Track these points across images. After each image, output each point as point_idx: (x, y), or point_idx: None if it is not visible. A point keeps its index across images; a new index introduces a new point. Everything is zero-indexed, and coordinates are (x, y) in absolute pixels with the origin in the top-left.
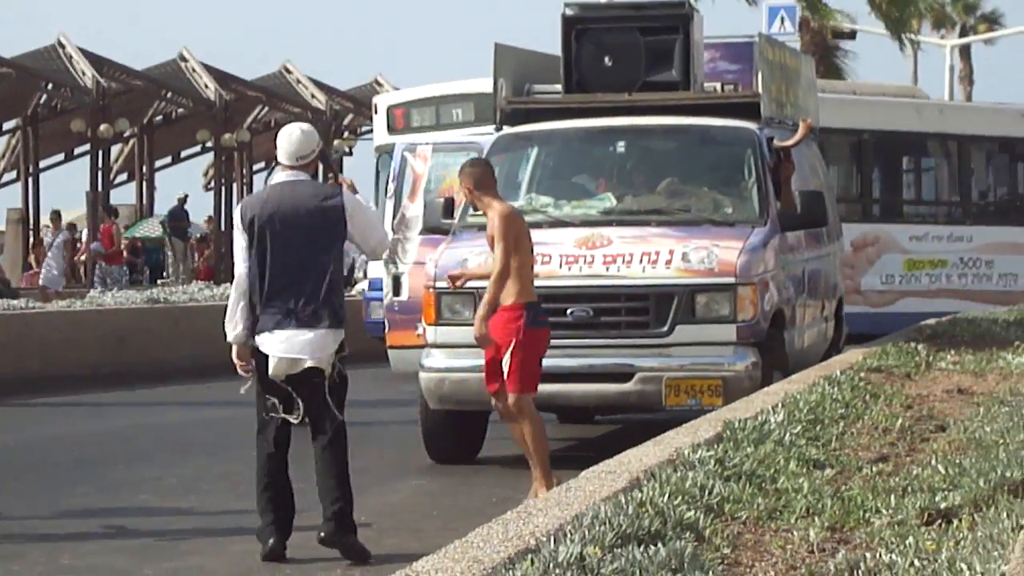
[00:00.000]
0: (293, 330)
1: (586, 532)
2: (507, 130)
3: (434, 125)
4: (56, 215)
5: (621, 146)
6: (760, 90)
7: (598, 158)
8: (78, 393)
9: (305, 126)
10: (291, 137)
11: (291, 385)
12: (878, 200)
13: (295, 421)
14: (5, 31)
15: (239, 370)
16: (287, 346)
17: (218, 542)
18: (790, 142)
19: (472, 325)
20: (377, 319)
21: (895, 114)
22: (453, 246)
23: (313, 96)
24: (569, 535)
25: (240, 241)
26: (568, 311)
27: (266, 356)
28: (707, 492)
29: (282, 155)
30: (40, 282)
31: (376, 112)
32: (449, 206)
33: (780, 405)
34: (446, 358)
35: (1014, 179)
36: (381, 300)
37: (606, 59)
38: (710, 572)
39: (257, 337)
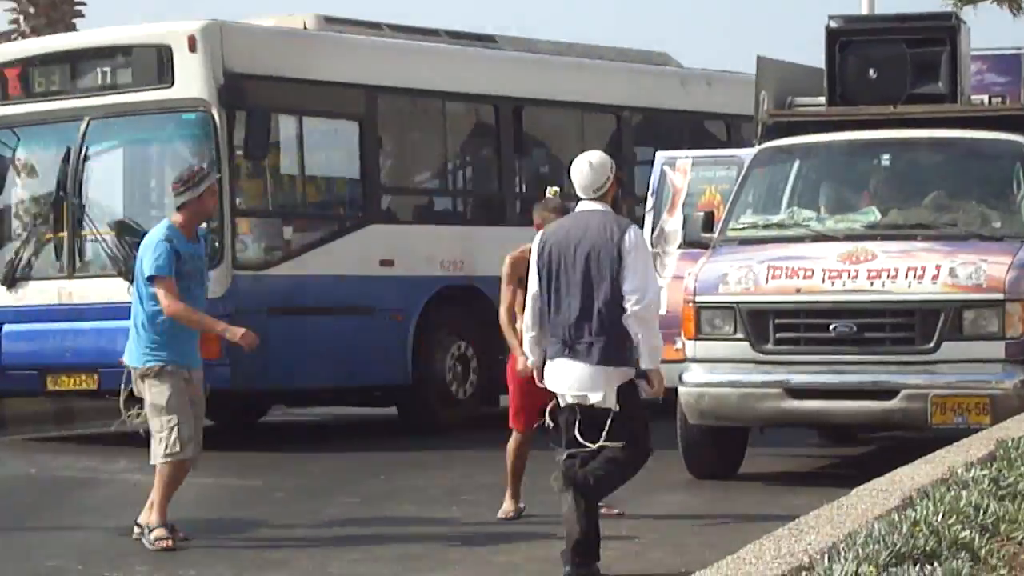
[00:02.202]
0: None
1: (860, 551)
2: (769, 143)
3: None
4: None
5: (886, 159)
6: None
7: (862, 171)
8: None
9: (595, 157)
10: (580, 170)
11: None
12: None
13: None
14: None
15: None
16: None
17: (480, 553)
18: None
19: (733, 340)
20: None
21: None
22: (713, 260)
23: None
24: (843, 553)
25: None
26: (831, 327)
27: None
28: (982, 512)
29: (577, 187)
30: None
31: None
32: (709, 220)
33: None
34: (706, 373)
35: None
36: None
37: (871, 71)
38: None
39: None
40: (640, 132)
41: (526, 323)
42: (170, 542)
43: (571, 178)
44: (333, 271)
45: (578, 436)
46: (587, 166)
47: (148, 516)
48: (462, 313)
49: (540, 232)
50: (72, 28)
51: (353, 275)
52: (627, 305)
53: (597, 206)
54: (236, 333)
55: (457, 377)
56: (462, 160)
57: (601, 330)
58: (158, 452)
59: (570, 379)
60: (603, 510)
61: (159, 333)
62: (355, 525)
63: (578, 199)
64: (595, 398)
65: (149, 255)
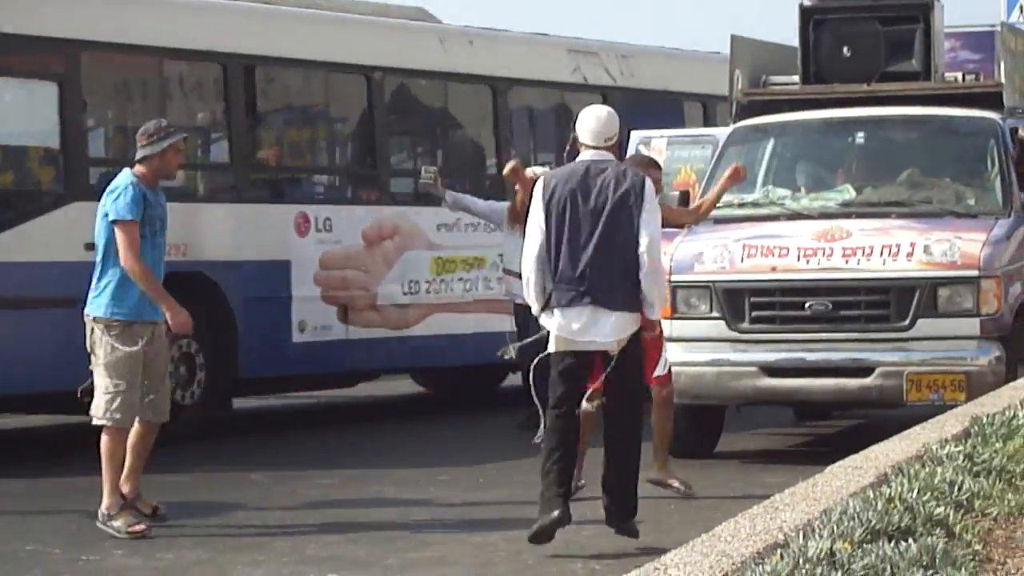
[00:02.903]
0: None
1: (835, 527)
2: (743, 122)
3: None
4: None
5: (860, 137)
6: (1003, 79)
7: (837, 149)
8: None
9: (606, 107)
10: (594, 117)
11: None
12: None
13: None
14: None
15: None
16: None
17: (457, 534)
18: None
19: (709, 319)
20: None
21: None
22: (688, 239)
23: None
24: (818, 530)
25: None
26: (806, 305)
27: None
28: (956, 488)
29: (586, 134)
30: None
31: None
32: (684, 199)
33: None
34: (682, 352)
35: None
36: None
37: (845, 49)
38: (962, 568)
39: None
40: (395, 96)
41: (532, 267)
42: (140, 526)
43: (579, 126)
44: (27, 257)
45: (611, 381)
46: (604, 113)
47: (124, 484)
48: (186, 305)
49: (543, 177)
50: None
51: (52, 261)
52: (641, 253)
53: (607, 155)
54: (179, 316)
55: (180, 381)
56: (185, 127)
57: (623, 277)
58: (98, 410)
59: (597, 327)
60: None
61: (127, 281)
62: (332, 507)
63: (577, 150)
64: (620, 344)
65: (114, 197)
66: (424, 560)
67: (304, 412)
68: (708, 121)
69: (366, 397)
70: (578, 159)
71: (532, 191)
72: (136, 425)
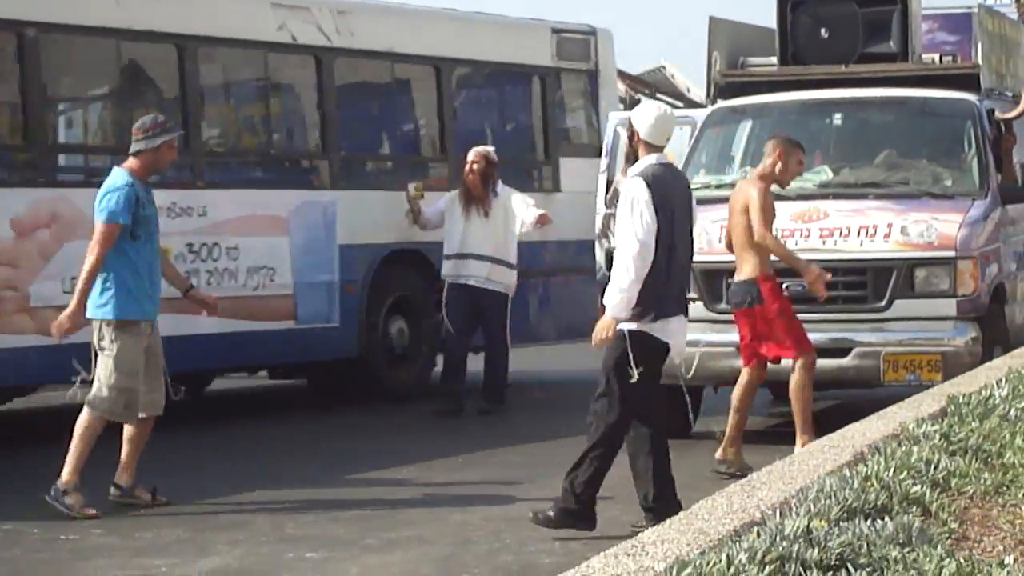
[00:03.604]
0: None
1: (811, 506)
2: (721, 103)
3: None
4: None
5: (838, 118)
6: (980, 61)
7: (814, 131)
8: None
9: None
10: (667, 118)
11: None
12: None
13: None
14: None
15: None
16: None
17: (436, 512)
18: (1012, 114)
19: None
20: None
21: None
22: None
23: None
24: (795, 508)
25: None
26: (784, 286)
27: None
28: (933, 467)
29: (657, 135)
30: None
31: None
32: None
33: (1004, 380)
34: None
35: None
36: None
37: (822, 31)
38: (938, 546)
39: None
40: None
41: (639, 274)
42: (91, 510)
43: (641, 123)
44: None
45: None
46: (669, 113)
47: (122, 475)
48: None
49: (641, 175)
50: None
51: None
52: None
53: (667, 157)
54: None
55: None
56: None
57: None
58: (93, 398)
59: (684, 336)
60: None
61: (131, 283)
62: (312, 487)
63: (630, 149)
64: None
65: (108, 198)
66: (403, 540)
67: (281, 394)
68: (441, 89)
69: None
70: (656, 162)
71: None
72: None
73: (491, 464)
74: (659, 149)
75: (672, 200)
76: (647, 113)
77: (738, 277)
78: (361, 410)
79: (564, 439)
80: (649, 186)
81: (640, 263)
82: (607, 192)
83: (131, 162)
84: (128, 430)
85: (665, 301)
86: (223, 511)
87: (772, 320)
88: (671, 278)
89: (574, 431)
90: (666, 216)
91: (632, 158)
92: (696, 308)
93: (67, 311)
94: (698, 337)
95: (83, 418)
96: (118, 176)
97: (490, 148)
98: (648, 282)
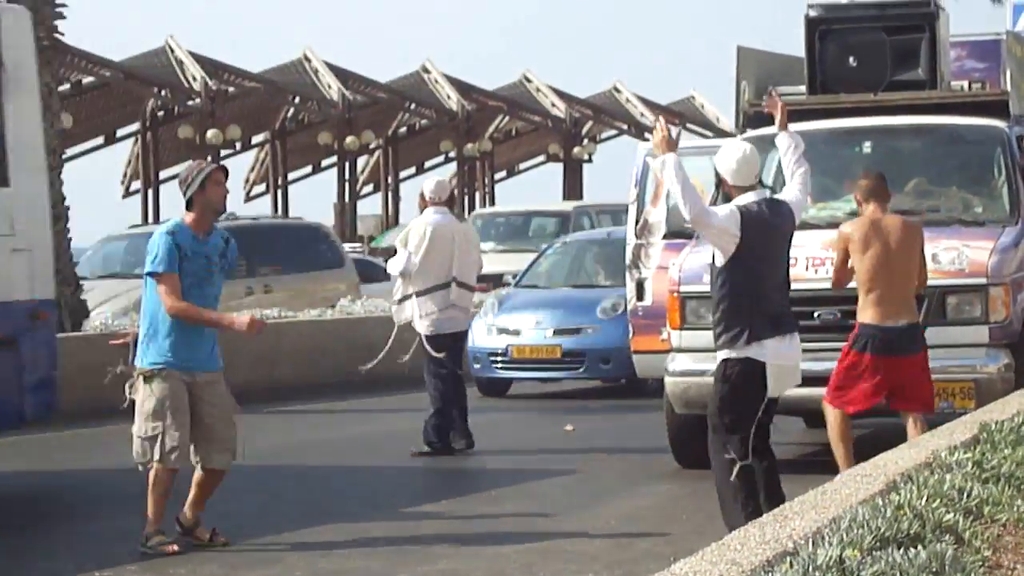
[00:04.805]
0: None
1: (844, 535)
2: (750, 132)
3: None
4: None
5: (867, 146)
6: (1008, 88)
7: (844, 159)
8: (329, 400)
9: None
10: (749, 158)
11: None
12: None
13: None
14: (254, 47)
15: None
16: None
17: (469, 545)
18: None
19: None
20: None
21: None
22: (697, 250)
23: (553, 104)
24: (827, 538)
25: None
26: (815, 314)
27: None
28: (965, 495)
29: (743, 178)
30: None
31: None
32: None
33: None
34: (691, 362)
35: None
36: None
37: (851, 59)
38: (971, 575)
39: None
40: None
41: (684, 190)
42: (172, 547)
43: (725, 169)
44: None
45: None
46: (751, 151)
47: (184, 514)
48: None
49: (737, 207)
50: None
51: None
52: None
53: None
54: (243, 323)
55: None
56: None
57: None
58: (141, 456)
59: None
60: None
61: (161, 332)
62: (343, 520)
63: (721, 194)
64: None
65: (150, 252)
66: (436, 572)
67: (307, 420)
68: None
69: (377, 408)
70: (754, 199)
71: None
72: (200, 471)
73: (524, 497)
74: (751, 188)
75: (771, 230)
76: (728, 158)
77: (898, 321)
78: (391, 438)
79: (597, 473)
80: (741, 213)
81: (689, 198)
82: (636, 222)
83: (187, 215)
84: (198, 477)
85: (759, 324)
86: (257, 547)
87: (923, 370)
88: (764, 302)
89: (606, 465)
90: (759, 244)
91: (725, 200)
92: None
93: (237, 326)
94: None
95: (150, 474)
96: (163, 226)
97: None
98: (735, 305)
